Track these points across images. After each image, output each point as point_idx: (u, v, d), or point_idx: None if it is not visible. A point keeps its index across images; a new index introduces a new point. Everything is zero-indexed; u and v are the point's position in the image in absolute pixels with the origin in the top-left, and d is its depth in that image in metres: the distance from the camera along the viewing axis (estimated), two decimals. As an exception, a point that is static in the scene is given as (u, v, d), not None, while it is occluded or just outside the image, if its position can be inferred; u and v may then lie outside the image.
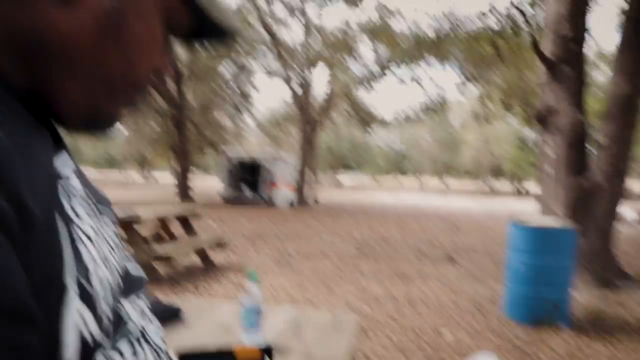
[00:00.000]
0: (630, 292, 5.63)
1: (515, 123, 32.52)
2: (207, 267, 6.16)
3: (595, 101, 11.98)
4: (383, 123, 25.56)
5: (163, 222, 6.21)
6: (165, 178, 45.98)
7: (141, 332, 0.61)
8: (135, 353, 0.57)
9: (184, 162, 20.17)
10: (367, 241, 9.50)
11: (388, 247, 8.78)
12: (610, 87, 6.36)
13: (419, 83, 21.39)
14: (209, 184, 37.10)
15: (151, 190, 27.45)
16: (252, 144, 45.29)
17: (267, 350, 1.24)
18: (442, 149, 51.97)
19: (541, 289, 4.25)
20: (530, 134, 37.60)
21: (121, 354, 0.54)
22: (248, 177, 19.66)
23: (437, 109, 23.42)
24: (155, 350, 0.62)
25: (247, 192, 19.32)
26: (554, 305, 4.22)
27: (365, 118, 24.48)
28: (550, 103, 6.24)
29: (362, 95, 25.99)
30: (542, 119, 6.33)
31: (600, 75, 20.56)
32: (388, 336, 3.89)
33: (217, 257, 6.80)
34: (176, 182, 20.81)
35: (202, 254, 6.19)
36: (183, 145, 19.91)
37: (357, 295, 5.16)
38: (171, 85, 19.18)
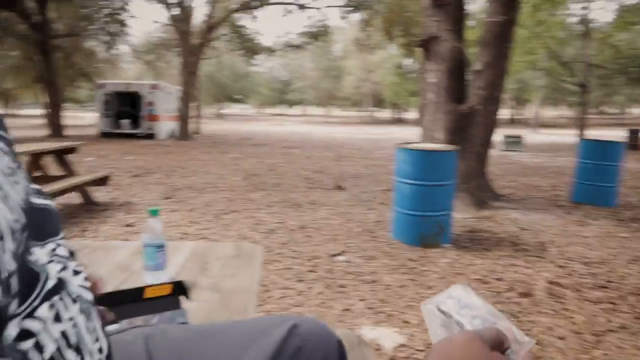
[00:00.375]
0: (501, 210, 6.16)
1: (396, 52, 33.34)
2: (90, 207, 5.79)
3: (474, 30, 12.51)
4: (267, 52, 25.00)
5: (36, 159, 5.62)
6: (35, 114, 42.06)
7: (62, 287, 0.51)
8: (58, 317, 0.48)
9: (53, 95, 18.49)
10: (256, 172, 9.45)
11: (277, 178, 8.81)
12: (486, 16, 6.64)
13: (302, 9, 20.98)
14: (84, 119, 34.55)
15: (17, 127, 25.01)
16: (129, 74, 42.57)
17: (180, 286, 1.17)
18: (326, 78, 52.26)
19: (426, 210, 4.50)
20: (411, 63, 38.86)
21: (41, 320, 0.45)
22: (127, 109, 18.54)
23: (320, 36, 23.26)
24: (81, 307, 0.53)
25: (127, 125, 18.26)
26: (438, 226, 4.50)
27: (248, 46, 23.76)
28: (432, 30, 6.40)
29: (246, 22, 25.08)
30: (424, 46, 6.49)
31: (478, 4, 21.45)
32: (285, 265, 3.94)
33: (99, 195, 6.41)
34: (46, 118, 19.11)
35: (83, 192, 5.79)
36: (51, 76, 18.16)
37: (250, 226, 5.15)
38: (32, 5, 17.18)
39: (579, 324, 3.00)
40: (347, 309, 3.14)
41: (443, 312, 0.66)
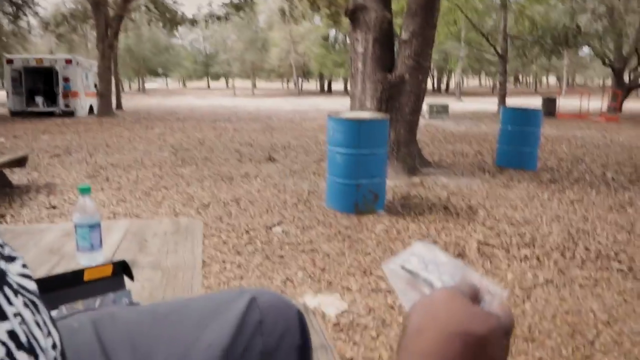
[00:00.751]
0: (431, 176, 6.34)
1: (322, 22, 33.18)
2: (7, 191, 5.41)
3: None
4: (189, 23, 24.16)
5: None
6: None
7: (1, 279, 0.45)
8: (2, 315, 0.42)
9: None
10: (183, 147, 9.20)
11: (207, 152, 8.61)
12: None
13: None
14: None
15: None
16: (41, 49, 39.97)
17: (122, 265, 1.10)
18: (251, 50, 51.35)
19: (359, 178, 4.54)
20: (336, 33, 38.81)
21: None
22: (40, 85, 17.39)
23: (243, 7, 22.72)
24: (25, 299, 0.47)
25: (41, 103, 17.13)
26: (372, 193, 4.56)
27: (169, 18, 22.84)
28: (359, 0, 6.38)
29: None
30: (352, 16, 6.48)
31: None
32: (222, 239, 3.87)
33: (16, 178, 6.01)
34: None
35: None
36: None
37: (183, 202, 5.01)
38: None
39: (509, 281, 3.15)
40: (288, 279, 3.13)
41: (409, 271, 0.63)
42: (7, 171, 5.59)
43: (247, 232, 4.06)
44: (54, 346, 0.47)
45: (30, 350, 0.43)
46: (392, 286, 0.63)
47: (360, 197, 4.54)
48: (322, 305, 2.75)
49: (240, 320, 0.79)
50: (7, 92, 17.07)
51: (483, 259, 3.50)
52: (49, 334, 0.48)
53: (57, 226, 1.76)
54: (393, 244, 3.80)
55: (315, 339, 1.15)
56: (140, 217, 4.47)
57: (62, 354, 0.50)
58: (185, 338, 0.78)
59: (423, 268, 0.63)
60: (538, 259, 3.53)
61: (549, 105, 18.03)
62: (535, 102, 20.00)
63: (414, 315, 0.52)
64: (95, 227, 1.40)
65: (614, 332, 2.51)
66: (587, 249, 3.73)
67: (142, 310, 0.87)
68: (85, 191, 1.39)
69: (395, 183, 5.72)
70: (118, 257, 1.43)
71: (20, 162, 5.64)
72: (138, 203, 4.96)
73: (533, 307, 2.78)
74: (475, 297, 0.55)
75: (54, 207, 4.72)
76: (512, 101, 21.99)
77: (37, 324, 0.46)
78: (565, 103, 21.56)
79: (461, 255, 3.56)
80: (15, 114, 16.75)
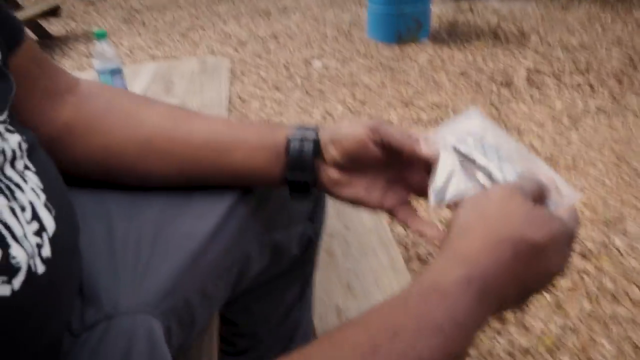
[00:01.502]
0: (481, 1, 5.87)
1: None
2: (47, 43, 5.37)
3: None
4: None
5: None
6: None
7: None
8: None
9: None
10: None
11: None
12: None
13: None
14: None
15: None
16: None
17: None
18: None
19: (402, 5, 4.24)
20: None
21: None
22: None
23: None
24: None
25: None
26: (415, 21, 4.29)
27: None
28: None
29: None
30: None
31: None
32: (260, 75, 3.82)
33: (55, 29, 5.94)
34: None
35: (34, 26, 5.30)
36: None
37: (220, 40, 4.89)
38: None
39: (557, 110, 3.02)
40: (327, 113, 3.11)
41: (464, 155, 0.53)
42: (43, 22, 5.50)
43: (286, 67, 3.97)
44: (38, 232, 0.42)
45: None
46: (439, 165, 0.52)
47: (402, 26, 4.29)
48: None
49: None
50: None
51: (531, 88, 3.34)
52: (34, 218, 0.42)
53: (85, 74, 1.73)
54: (437, 74, 3.65)
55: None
56: (177, 58, 4.43)
57: (60, 235, 0.45)
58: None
59: (481, 153, 0.53)
60: (591, 86, 3.34)
61: None
62: None
63: (463, 211, 0.45)
64: (116, 72, 1.37)
65: (664, 160, 2.42)
66: (647, 73, 3.48)
67: None
68: (101, 36, 1.34)
69: (440, 9, 5.35)
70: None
71: (54, 12, 5.50)
72: (176, 45, 4.88)
73: (580, 136, 2.69)
74: (540, 196, 0.47)
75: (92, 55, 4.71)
76: None
77: (12, 210, 0.40)
78: None
79: (508, 84, 3.40)
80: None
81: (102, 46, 1.37)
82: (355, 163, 0.57)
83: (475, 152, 0.52)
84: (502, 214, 0.43)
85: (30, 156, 0.47)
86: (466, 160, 0.52)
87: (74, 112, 0.61)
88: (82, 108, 0.62)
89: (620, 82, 3.37)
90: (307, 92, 3.45)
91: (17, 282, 0.37)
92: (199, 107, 1.44)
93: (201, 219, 0.61)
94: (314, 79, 3.68)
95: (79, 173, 0.62)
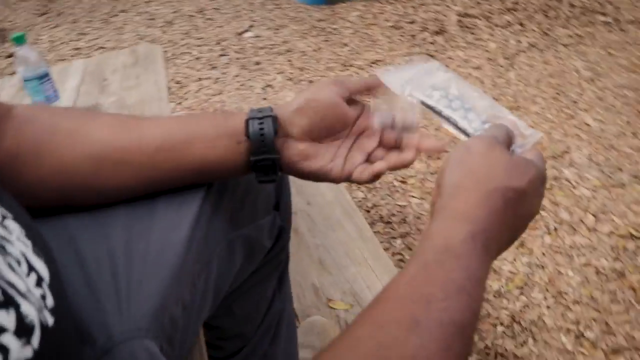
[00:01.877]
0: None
1: None
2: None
3: None
4: None
5: None
6: None
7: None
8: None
9: None
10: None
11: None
12: None
13: None
14: None
15: None
16: None
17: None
18: None
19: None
20: None
21: None
22: None
23: None
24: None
25: None
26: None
27: None
28: None
29: None
30: None
31: None
32: (192, 55, 3.70)
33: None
34: None
35: None
36: None
37: (145, 23, 4.68)
38: None
39: (492, 51, 3.08)
40: (268, 85, 3.06)
41: (430, 108, 0.56)
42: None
43: (218, 43, 3.86)
44: (38, 282, 0.39)
45: (6, 303, 0.33)
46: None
47: (330, -14, 4.23)
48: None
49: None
50: None
51: (464, 33, 3.38)
52: (30, 269, 0.39)
53: (6, 81, 1.62)
54: (370, 30, 3.63)
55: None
56: (105, 48, 4.23)
57: (54, 279, 0.42)
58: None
59: (447, 105, 0.56)
60: (521, 23, 3.41)
61: None
62: None
63: (449, 171, 0.46)
64: (43, 77, 1.29)
65: (597, 88, 2.52)
66: (571, 4, 3.58)
67: None
68: (20, 40, 1.25)
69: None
70: (80, 104, 1.35)
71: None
72: (99, 33, 4.64)
73: (517, 75, 2.76)
74: (509, 143, 0.50)
75: (10, 56, 4.42)
76: None
77: (10, 267, 0.36)
78: None
79: (441, 31, 3.43)
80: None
81: (23, 51, 1.27)
82: (329, 127, 0.58)
83: (441, 105, 0.56)
84: (487, 167, 0.45)
85: (2, 201, 0.43)
86: (433, 113, 0.56)
87: (15, 139, 0.57)
88: (23, 133, 0.58)
89: (547, 15, 3.46)
90: (243, 67, 3.38)
91: (36, 340, 0.34)
92: (138, 102, 1.38)
93: (173, 230, 0.60)
94: (248, 52, 3.60)
95: (32, 202, 0.59)
